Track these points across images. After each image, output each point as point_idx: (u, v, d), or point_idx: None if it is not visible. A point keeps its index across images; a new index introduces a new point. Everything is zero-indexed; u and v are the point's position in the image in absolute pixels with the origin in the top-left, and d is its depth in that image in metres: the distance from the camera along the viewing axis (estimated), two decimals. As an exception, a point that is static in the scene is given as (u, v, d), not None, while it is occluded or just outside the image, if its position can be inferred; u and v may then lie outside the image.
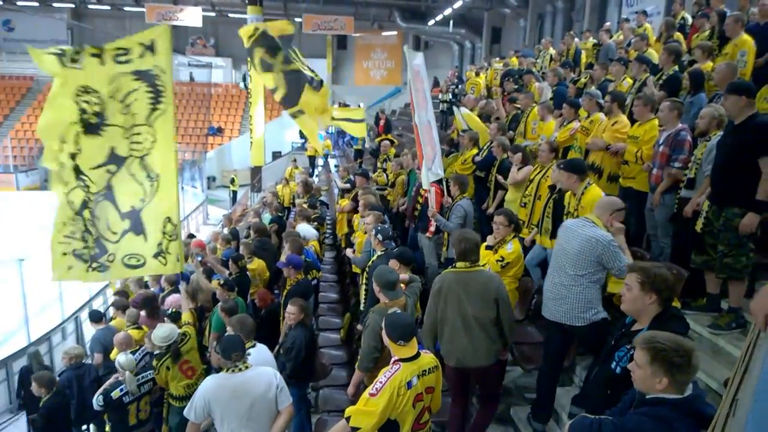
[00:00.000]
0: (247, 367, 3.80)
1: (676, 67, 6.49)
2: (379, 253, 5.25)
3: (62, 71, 4.42)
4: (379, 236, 5.36)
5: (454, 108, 10.02)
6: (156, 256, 4.78)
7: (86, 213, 4.63)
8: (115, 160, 4.63)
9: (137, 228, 4.72)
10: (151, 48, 4.51)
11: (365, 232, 6.26)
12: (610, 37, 11.20)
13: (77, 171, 4.57)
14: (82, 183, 4.59)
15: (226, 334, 4.67)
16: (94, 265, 4.71)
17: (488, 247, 5.03)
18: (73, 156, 4.53)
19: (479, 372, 4.14)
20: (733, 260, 4.17)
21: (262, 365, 4.05)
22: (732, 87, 4.25)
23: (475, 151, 7.88)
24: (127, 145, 4.63)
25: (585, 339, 4.11)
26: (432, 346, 4.11)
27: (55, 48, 4.47)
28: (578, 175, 4.81)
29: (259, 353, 4.50)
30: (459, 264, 4.10)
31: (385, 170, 10.59)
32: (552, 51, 12.94)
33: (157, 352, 5.55)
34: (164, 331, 5.36)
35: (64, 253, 4.61)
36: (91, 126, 4.54)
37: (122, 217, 4.70)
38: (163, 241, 4.76)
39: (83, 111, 4.49)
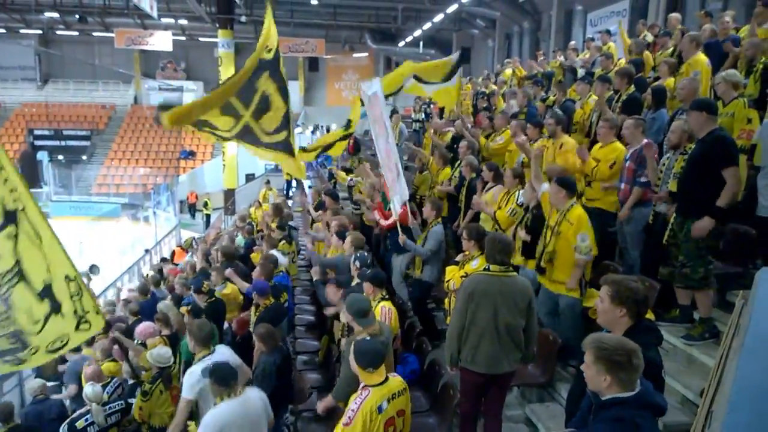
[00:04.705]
0: (243, 390, 3.94)
1: (632, 89, 6.66)
2: (357, 280, 5.17)
3: None
4: (357, 263, 5.32)
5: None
6: (78, 326, 3.97)
7: None
8: (8, 219, 3.64)
9: (56, 306, 3.80)
10: None
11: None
12: (577, 55, 11.45)
13: None
14: None
15: (212, 361, 4.57)
16: (8, 358, 3.88)
17: (454, 262, 5.03)
18: None
19: (501, 379, 4.10)
20: (690, 271, 4.27)
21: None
22: (694, 104, 4.47)
23: (448, 170, 7.91)
24: (11, 198, 3.65)
25: None
26: (456, 352, 4.05)
27: None
28: (567, 192, 4.78)
29: (222, 354, 4.58)
30: (493, 267, 3.98)
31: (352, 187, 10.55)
32: (520, 70, 13.13)
33: (131, 382, 5.42)
34: (166, 351, 5.32)
35: None
36: None
37: (41, 297, 3.76)
38: (76, 307, 3.91)
39: None
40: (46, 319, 3.80)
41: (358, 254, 5.47)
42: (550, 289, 4.97)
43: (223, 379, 3.87)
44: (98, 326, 4.10)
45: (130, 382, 6.04)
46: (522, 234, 5.43)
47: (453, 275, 4.82)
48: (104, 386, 5.83)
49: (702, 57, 6.52)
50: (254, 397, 4.00)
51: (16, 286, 3.67)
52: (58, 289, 3.81)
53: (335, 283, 5.14)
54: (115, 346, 6.91)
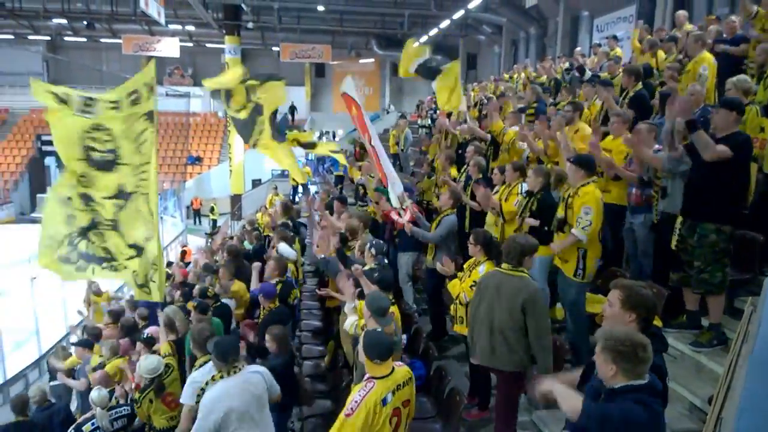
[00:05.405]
0: (242, 367, 3.95)
1: (640, 86, 6.63)
2: (371, 265, 5.16)
3: (61, 112, 4.61)
4: (373, 250, 5.31)
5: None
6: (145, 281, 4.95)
7: (92, 235, 4.84)
8: (122, 195, 4.84)
9: (140, 253, 4.89)
10: (151, 88, 4.68)
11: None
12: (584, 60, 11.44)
13: (86, 198, 4.76)
14: (90, 208, 4.81)
15: (215, 338, 4.56)
16: (105, 265, 4.90)
17: (453, 277, 5.02)
18: (84, 184, 4.77)
19: (504, 376, 4.15)
20: (709, 275, 4.23)
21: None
22: (726, 102, 4.36)
23: (453, 170, 7.92)
24: (135, 182, 4.81)
25: None
26: (472, 339, 4.23)
27: (62, 91, 4.65)
28: (585, 171, 4.75)
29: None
30: (504, 266, 4.11)
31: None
32: (528, 73, 13.14)
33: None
34: (151, 362, 5.24)
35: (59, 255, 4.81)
36: (102, 163, 4.74)
37: (128, 246, 4.89)
38: (148, 270, 4.89)
39: (91, 149, 4.69)
40: (129, 258, 4.90)
41: (374, 242, 5.45)
42: (555, 262, 5.04)
43: (222, 354, 3.87)
44: (155, 298, 5.01)
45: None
46: (530, 221, 5.36)
47: (461, 288, 4.79)
48: (111, 392, 5.85)
49: (708, 54, 6.51)
50: (255, 374, 4.00)
51: (110, 231, 4.85)
52: (151, 252, 4.85)
53: (351, 277, 4.93)
54: (122, 341, 6.94)
